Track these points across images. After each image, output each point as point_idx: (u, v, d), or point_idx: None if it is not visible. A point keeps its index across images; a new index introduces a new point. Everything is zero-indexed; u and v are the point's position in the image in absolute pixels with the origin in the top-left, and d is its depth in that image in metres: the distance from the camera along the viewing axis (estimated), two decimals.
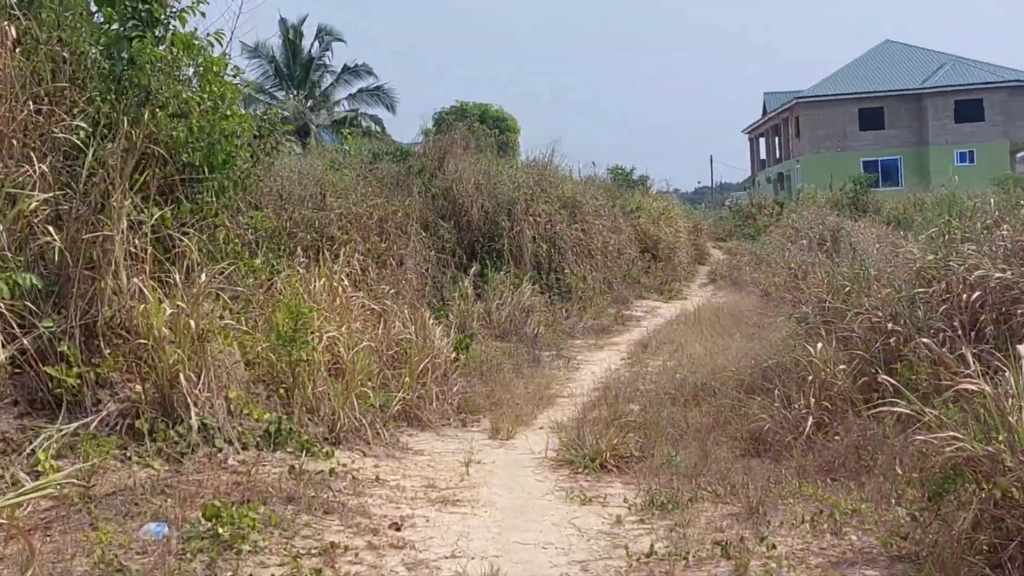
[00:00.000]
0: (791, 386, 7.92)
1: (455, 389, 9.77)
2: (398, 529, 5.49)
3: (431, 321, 10.32)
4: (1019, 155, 60.39)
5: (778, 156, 69.87)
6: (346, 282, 10.12)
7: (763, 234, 31.93)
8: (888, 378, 6.41)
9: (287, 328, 7.68)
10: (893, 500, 5.48)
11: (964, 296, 7.37)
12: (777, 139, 69.81)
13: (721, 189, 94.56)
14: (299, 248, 16.16)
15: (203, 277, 7.16)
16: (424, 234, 18.00)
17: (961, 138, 57.45)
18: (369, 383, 8.40)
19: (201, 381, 6.76)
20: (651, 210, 24.93)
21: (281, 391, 7.70)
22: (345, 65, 45.20)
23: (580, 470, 7.06)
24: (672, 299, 20.44)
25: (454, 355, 10.27)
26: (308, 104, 45.11)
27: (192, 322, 6.68)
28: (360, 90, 44.99)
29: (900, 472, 5.77)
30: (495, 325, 14.35)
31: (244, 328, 7.75)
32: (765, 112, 70.30)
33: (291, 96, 44.68)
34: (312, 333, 8.01)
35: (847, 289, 9.58)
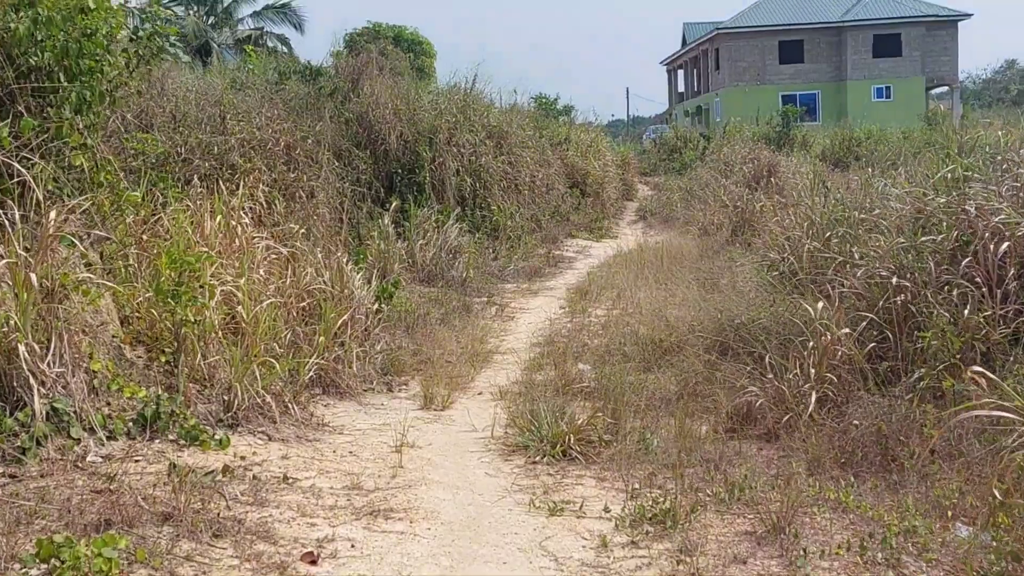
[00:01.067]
0: (775, 351, 6.72)
1: (378, 347, 8.33)
2: (313, 563, 4.10)
3: (349, 266, 8.81)
4: (934, 92, 60.70)
5: (697, 89, 69.00)
6: (247, 220, 8.49)
7: (689, 169, 30.94)
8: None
9: (169, 280, 6.11)
10: (949, 512, 4.31)
11: (991, 247, 6.21)
12: (696, 71, 68.85)
13: (634, 123, 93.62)
14: (195, 177, 14.46)
15: (52, 215, 5.50)
16: (337, 164, 16.33)
17: (879, 73, 57.34)
18: (275, 346, 6.91)
19: (51, 352, 5.19)
20: (579, 142, 23.55)
21: (163, 359, 6.15)
22: None
23: (538, 458, 5.74)
24: (603, 238, 19.23)
25: (376, 306, 8.82)
26: (209, 21, 42.17)
27: (34, 276, 5.08)
28: (266, 7, 42.19)
29: (945, 467, 4.61)
30: (419, 268, 12.90)
31: (110, 284, 6.11)
32: (685, 43, 69.23)
33: (191, 12, 41.64)
34: (202, 285, 6.46)
35: (828, 235, 8.39)
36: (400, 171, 17.11)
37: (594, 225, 19.79)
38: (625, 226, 21.71)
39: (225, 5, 42.91)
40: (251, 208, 14.41)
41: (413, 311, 10.11)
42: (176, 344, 6.08)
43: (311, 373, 7.01)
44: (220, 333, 6.40)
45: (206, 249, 6.98)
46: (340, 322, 7.87)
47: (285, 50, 39.91)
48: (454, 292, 12.20)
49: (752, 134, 33.18)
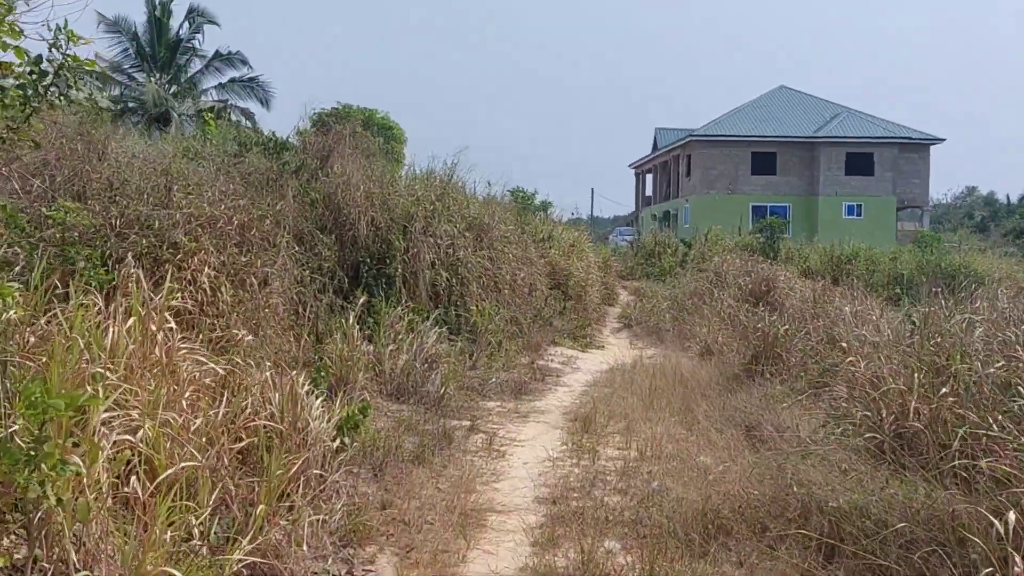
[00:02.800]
0: (910, 564, 4.72)
1: (338, 505, 6.18)
2: None
3: (305, 389, 6.72)
4: (902, 212, 60.55)
5: (666, 194, 68.44)
6: (172, 323, 6.39)
7: (668, 275, 29.37)
8: None
9: (25, 434, 3.98)
10: None
11: None
12: (666, 176, 68.36)
13: (594, 223, 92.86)
14: (129, 255, 12.35)
15: None
16: (298, 249, 14.28)
17: (851, 190, 57.06)
18: (193, 515, 4.77)
19: None
20: (562, 241, 21.82)
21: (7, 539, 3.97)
22: (217, 51, 40.74)
23: None
24: (588, 347, 17.28)
25: (337, 442, 6.71)
26: (171, 90, 40.39)
27: None
28: (232, 80, 40.63)
29: None
30: (388, 379, 10.81)
31: None
32: (656, 148, 68.90)
33: (152, 79, 39.87)
34: (77, 444, 4.32)
35: (943, 392, 6.44)
36: (369, 261, 15.13)
37: (578, 332, 17.88)
38: (609, 335, 19.81)
39: (190, 75, 41.27)
40: (191, 294, 12.43)
41: (383, 444, 7.98)
42: (29, 526, 3.92)
43: (241, 566, 4.84)
44: (107, 508, 4.25)
45: (104, 371, 4.87)
46: (293, 470, 5.75)
47: (249, 124, 38.18)
48: (430, 412, 10.11)
49: (735, 244, 31.89)
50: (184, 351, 6.17)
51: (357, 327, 11.68)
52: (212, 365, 6.16)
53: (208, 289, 12.51)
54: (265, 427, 5.96)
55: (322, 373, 7.54)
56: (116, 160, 14.49)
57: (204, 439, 5.31)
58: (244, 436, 5.83)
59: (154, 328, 6.00)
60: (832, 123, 58.42)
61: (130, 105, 39.90)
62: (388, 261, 15.10)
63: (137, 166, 14.33)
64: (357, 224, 15.30)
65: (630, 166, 77.61)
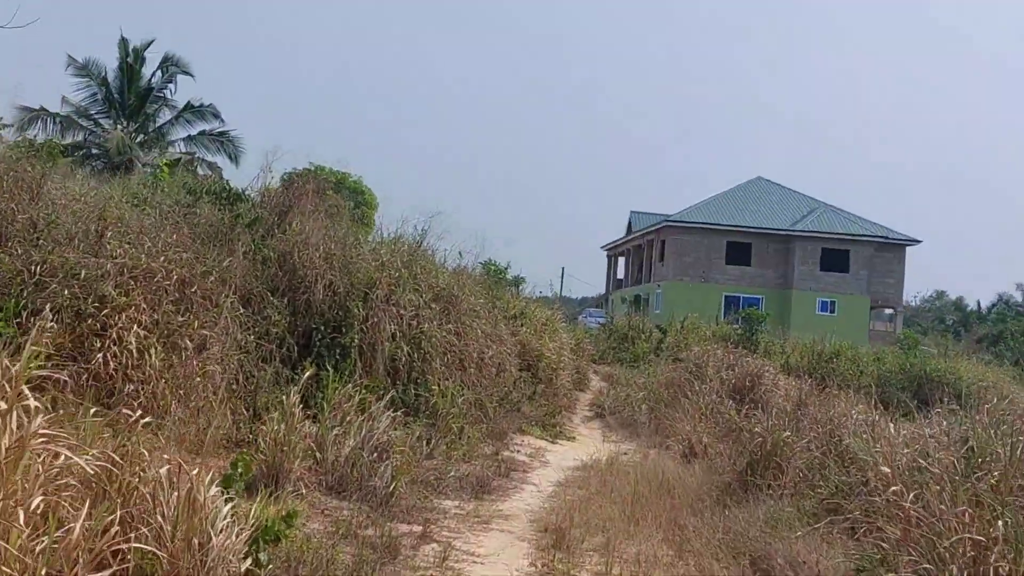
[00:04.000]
0: None
1: None
2: None
3: (213, 492, 5.22)
4: (884, 311, 60.06)
5: (638, 278, 67.63)
6: (32, 400, 4.89)
7: (642, 362, 28.07)
8: None
9: None
10: None
11: None
12: (639, 260, 67.64)
13: (563, 303, 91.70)
14: (47, 308, 10.86)
15: None
16: (244, 311, 12.85)
17: (825, 286, 56.49)
18: None
19: None
20: (534, 318, 20.47)
21: None
22: (189, 103, 39.52)
23: None
24: (558, 438, 15.81)
25: (247, 563, 5.20)
26: (138, 139, 39.04)
27: None
28: (201, 132, 39.34)
29: None
30: (329, 468, 9.29)
31: None
32: (630, 231, 68.30)
33: (119, 127, 38.52)
34: None
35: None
36: (323, 328, 13.67)
37: (548, 420, 16.41)
38: (580, 424, 18.36)
39: (159, 125, 39.98)
40: (115, 356, 10.91)
41: (310, 557, 6.45)
42: None
43: None
44: None
45: None
46: None
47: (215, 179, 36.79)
48: (375, 512, 8.60)
49: (712, 333, 30.74)
50: (44, 439, 4.66)
51: (301, 405, 10.17)
52: (80, 457, 4.64)
53: (134, 351, 11.04)
54: (144, 550, 4.47)
55: (239, 467, 5.99)
56: (51, 202, 13.12)
57: (44, 571, 3.81)
58: (112, 561, 4.33)
59: (4, 406, 4.50)
60: (809, 217, 58.10)
61: (93, 151, 38.49)
62: (344, 330, 13.66)
63: (72, 209, 12.94)
64: (313, 287, 13.89)
65: (603, 248, 76.95)
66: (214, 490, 5.21)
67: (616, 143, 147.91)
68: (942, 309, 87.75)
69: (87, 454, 4.99)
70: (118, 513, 4.49)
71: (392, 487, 9.06)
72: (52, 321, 10.93)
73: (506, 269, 27.59)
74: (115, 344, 11.00)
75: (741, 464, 10.54)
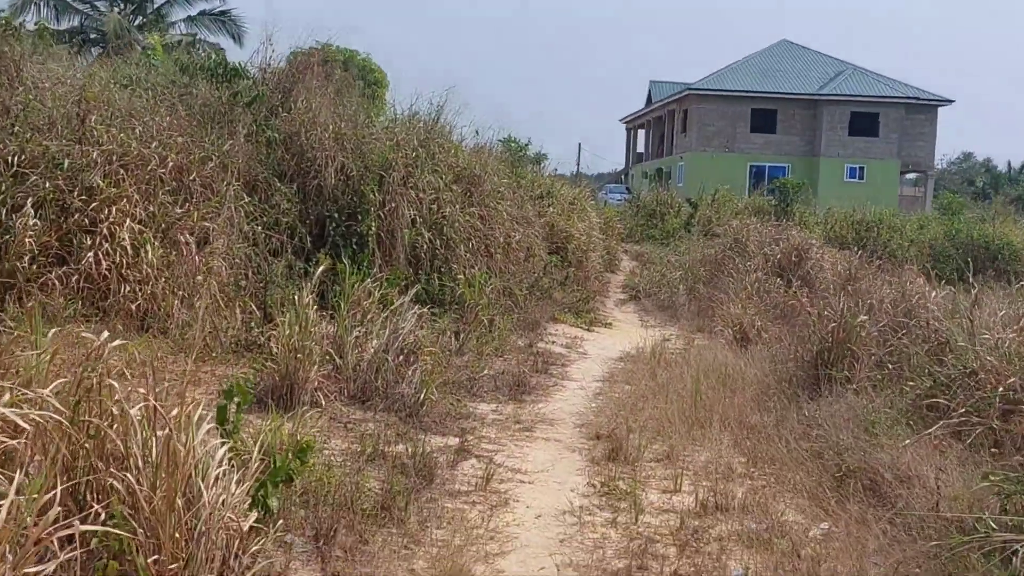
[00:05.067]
0: None
1: None
2: None
3: (208, 426, 4.16)
4: (906, 176, 58.19)
5: (659, 151, 65.72)
6: None
7: (672, 239, 26.87)
8: None
9: None
10: None
11: None
12: (660, 132, 65.59)
13: (578, 180, 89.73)
14: (28, 202, 9.82)
15: None
16: (248, 199, 11.69)
17: (853, 152, 54.50)
18: None
19: None
20: (561, 198, 19.21)
21: None
22: None
23: None
24: (593, 325, 14.78)
25: (251, 518, 4.17)
26: (136, 21, 37.18)
27: None
28: (202, 12, 37.45)
29: None
30: (350, 375, 8.27)
31: None
32: (650, 102, 66.00)
33: (115, 9, 36.64)
34: None
35: None
36: (337, 216, 12.54)
37: (581, 306, 15.35)
38: (614, 308, 17.32)
39: (157, 6, 38.03)
40: (107, 254, 9.82)
41: (331, 488, 5.47)
42: None
43: None
44: None
45: None
46: None
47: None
48: (403, 424, 7.62)
49: (745, 206, 29.41)
50: None
51: (315, 302, 9.11)
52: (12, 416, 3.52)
53: (129, 247, 9.94)
54: (109, 515, 3.42)
55: (235, 395, 4.89)
56: (34, 86, 11.82)
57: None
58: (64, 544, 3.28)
59: None
60: (836, 80, 55.59)
61: (91, 36, 36.74)
62: (360, 217, 12.50)
63: (54, 92, 11.64)
64: (324, 171, 12.67)
65: (621, 120, 74.66)
66: (204, 430, 4.13)
67: (634, 9, 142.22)
68: (970, 171, 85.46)
69: (47, 387, 3.92)
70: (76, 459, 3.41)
71: (423, 394, 8.04)
72: (35, 218, 9.92)
73: (526, 146, 26.14)
74: (107, 241, 9.89)
75: (809, 353, 9.43)
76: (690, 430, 7.86)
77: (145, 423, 3.98)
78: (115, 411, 4.05)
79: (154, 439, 3.91)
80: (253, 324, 10.22)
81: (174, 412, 3.87)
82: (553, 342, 12.80)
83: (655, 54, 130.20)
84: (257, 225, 11.65)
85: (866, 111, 54.58)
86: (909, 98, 54.65)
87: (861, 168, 54.42)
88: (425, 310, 10.17)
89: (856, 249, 17.50)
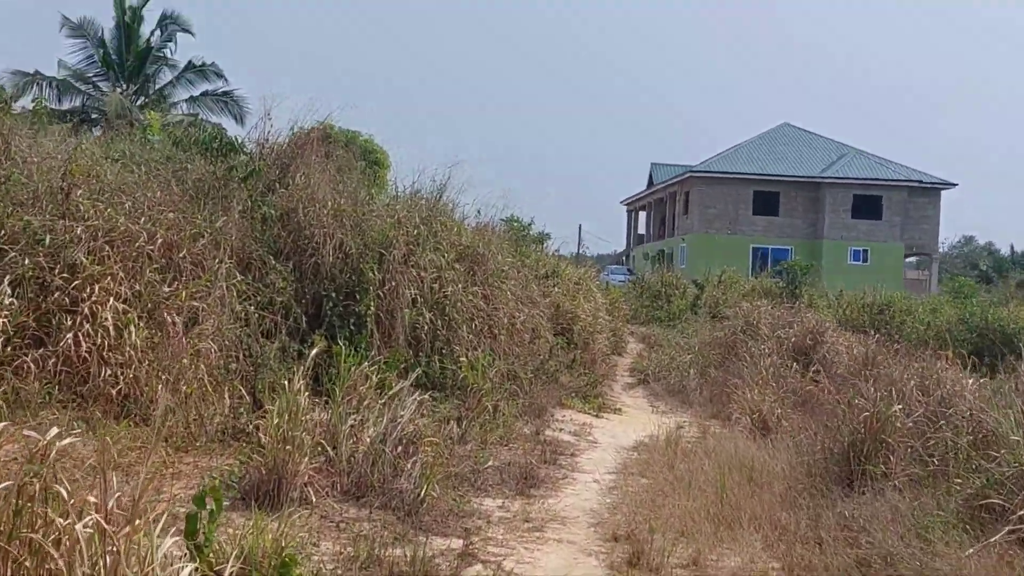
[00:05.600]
0: None
1: None
2: None
3: (168, 545, 3.49)
4: (908, 259, 57.90)
5: (661, 232, 65.62)
6: None
7: (679, 320, 26.28)
8: None
9: None
10: None
11: None
12: (661, 214, 65.58)
13: (577, 261, 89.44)
14: (7, 280, 9.26)
15: None
16: (242, 278, 11.13)
17: (857, 235, 54.32)
18: None
19: None
20: (567, 278, 18.69)
21: None
22: (190, 62, 37.60)
23: None
24: (602, 411, 14.07)
25: None
26: (139, 101, 37.20)
27: None
28: (204, 93, 37.46)
29: None
30: (344, 468, 7.58)
31: None
32: (651, 184, 66.14)
33: (118, 88, 36.69)
34: None
35: None
36: (334, 295, 11.97)
37: (589, 391, 14.68)
38: (622, 392, 16.63)
39: (159, 86, 38.11)
40: (88, 335, 9.22)
41: None
42: None
43: None
44: None
45: None
46: None
47: None
48: (401, 523, 6.91)
49: (752, 288, 28.94)
50: None
51: (310, 386, 8.48)
52: None
53: (111, 328, 9.32)
54: None
55: (207, 500, 4.20)
56: (21, 160, 11.37)
57: None
58: None
59: None
60: (839, 163, 55.72)
61: (92, 116, 36.71)
62: (359, 296, 11.93)
63: (41, 167, 11.17)
64: (322, 249, 12.14)
65: (622, 202, 74.81)
66: (168, 545, 3.47)
67: (633, 95, 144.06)
68: (972, 255, 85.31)
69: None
70: None
71: (423, 490, 7.34)
72: (11, 296, 9.34)
73: (529, 225, 25.76)
74: (88, 321, 9.27)
75: (840, 445, 8.75)
76: (716, 530, 7.14)
77: (96, 540, 3.32)
78: (61, 523, 3.41)
79: (104, 561, 3.25)
80: (242, 410, 9.60)
81: (126, 530, 3.21)
82: (561, 429, 12.09)
83: (656, 136, 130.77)
84: (250, 305, 11.08)
85: (869, 194, 54.58)
86: (912, 181, 54.70)
87: (865, 251, 54.18)
88: (427, 396, 9.51)
89: (873, 332, 16.82)
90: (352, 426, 7.96)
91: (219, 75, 38.60)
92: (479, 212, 16.38)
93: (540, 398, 13.00)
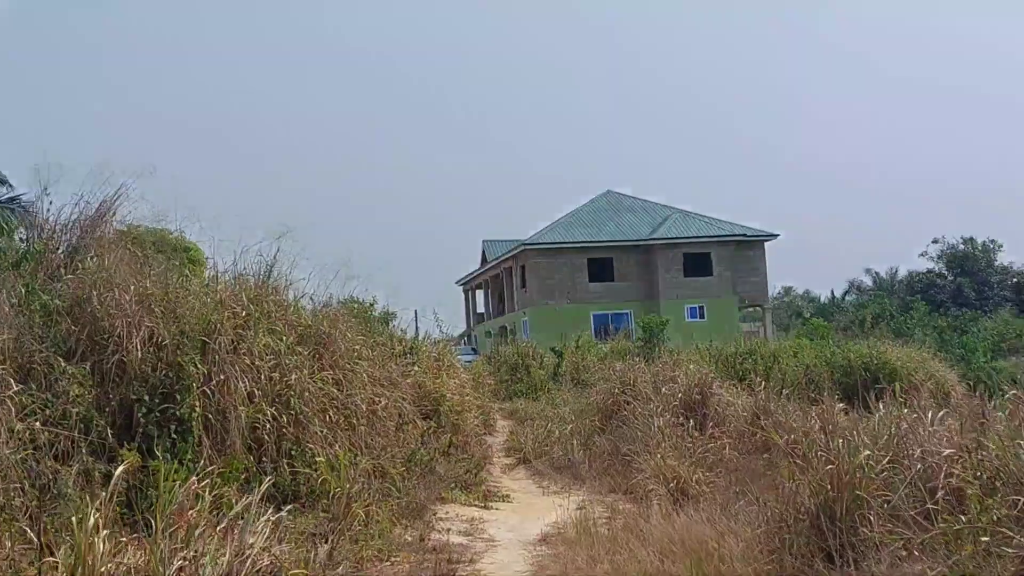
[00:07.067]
0: None
1: None
2: None
3: None
4: (745, 311, 58.87)
5: (500, 308, 64.47)
6: None
7: (541, 390, 24.62)
8: None
9: None
10: None
11: None
12: (499, 290, 64.54)
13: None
14: None
15: None
16: (20, 388, 8.57)
17: (692, 292, 54.82)
18: None
19: None
20: (426, 355, 16.66)
21: None
22: None
23: None
24: (491, 501, 12.01)
25: None
26: None
27: None
28: None
29: None
30: None
31: None
32: (484, 261, 65.14)
33: None
34: None
35: None
36: (147, 398, 9.50)
37: (471, 479, 12.61)
38: (503, 475, 14.61)
39: None
40: None
41: None
42: None
43: None
44: None
45: None
46: None
47: None
48: None
49: (610, 349, 27.74)
50: None
51: (117, 520, 6.12)
52: None
53: None
54: None
55: None
56: None
57: None
58: None
59: None
60: (665, 224, 56.47)
61: None
62: (179, 397, 9.51)
63: None
64: (126, 343, 9.68)
65: (458, 283, 73.39)
66: None
67: (457, 173, 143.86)
68: (794, 304, 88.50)
69: None
70: None
71: None
72: None
73: (372, 305, 23.61)
74: None
75: (805, 509, 7.06)
76: None
77: None
78: None
79: None
80: (30, 556, 7.08)
81: None
82: (448, 529, 9.96)
83: (485, 214, 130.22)
84: (36, 421, 8.53)
85: (698, 251, 55.41)
86: (736, 235, 55.94)
87: (701, 307, 54.67)
88: (282, 512, 7.27)
89: (759, 381, 15.57)
90: (181, 567, 5.66)
91: (2, 182, 34.92)
92: (311, 299, 14.09)
93: (417, 494, 10.84)
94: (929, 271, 77.46)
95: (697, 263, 55.37)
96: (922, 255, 78.59)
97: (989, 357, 31.67)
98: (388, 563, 8.24)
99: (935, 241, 78.03)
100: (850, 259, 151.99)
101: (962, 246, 77.05)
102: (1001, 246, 76.38)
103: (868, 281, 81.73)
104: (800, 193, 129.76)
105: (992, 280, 74.63)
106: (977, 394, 9.12)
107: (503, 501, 12.11)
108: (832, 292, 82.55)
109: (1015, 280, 75.39)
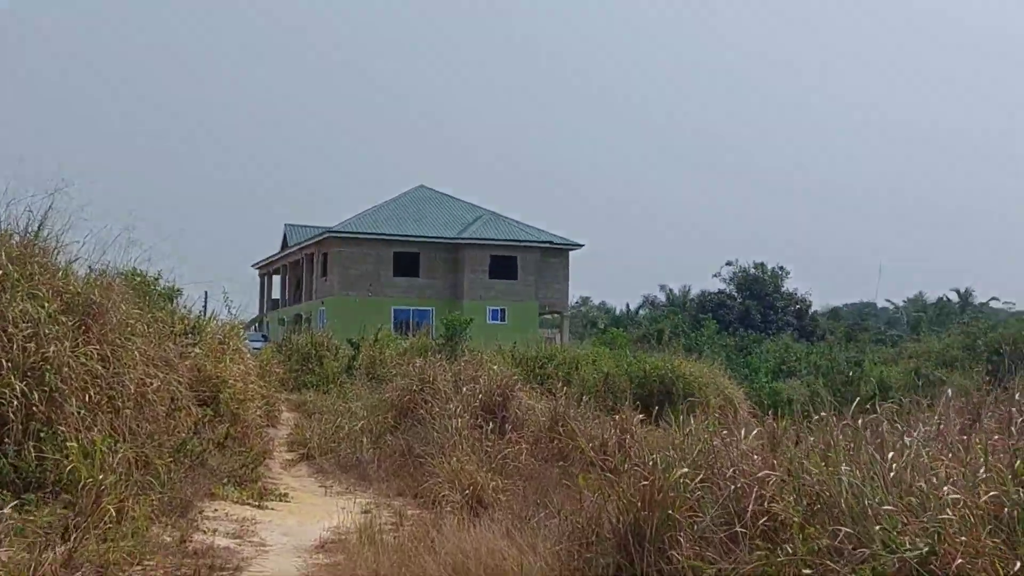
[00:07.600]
0: None
1: None
2: None
3: None
4: (544, 317, 59.61)
5: (297, 296, 62.43)
6: None
7: (334, 384, 23.58)
8: None
9: None
10: None
11: None
12: (298, 277, 62.49)
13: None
14: None
15: None
16: None
17: (495, 294, 54.99)
18: None
19: None
20: (210, 336, 15.37)
21: None
22: None
23: None
24: (266, 500, 11.03)
25: None
26: None
27: None
28: None
29: None
30: None
31: None
32: (285, 246, 62.94)
33: None
34: None
35: None
36: None
37: (246, 474, 11.58)
38: (283, 472, 13.61)
39: None
40: None
41: None
42: None
43: None
44: None
45: None
46: None
47: None
48: None
49: (411, 345, 27.06)
50: None
51: None
52: None
53: None
54: None
55: None
56: None
57: None
58: None
59: None
60: (475, 225, 56.40)
61: None
62: None
63: None
64: None
65: (254, 266, 70.55)
66: None
67: (264, 153, 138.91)
68: (589, 314, 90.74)
69: None
70: None
71: None
72: None
73: (156, 279, 21.81)
74: None
75: (612, 526, 6.63)
76: None
77: None
78: None
79: None
80: None
81: None
82: (215, 531, 8.98)
83: (290, 197, 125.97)
84: None
85: (505, 255, 55.64)
86: (543, 242, 56.63)
87: (503, 310, 54.90)
88: (11, 504, 6.14)
89: (561, 386, 15.35)
90: None
91: None
92: (91, 269, 12.60)
93: (183, 490, 9.76)
94: (720, 291, 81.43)
95: (503, 266, 55.59)
96: (715, 276, 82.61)
97: (770, 378, 33.35)
98: (139, 567, 7.23)
99: (728, 263, 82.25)
100: (645, 276, 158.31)
101: (753, 270, 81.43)
102: (788, 273, 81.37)
103: (662, 297, 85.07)
104: (599, 208, 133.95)
105: (778, 304, 79.19)
106: (769, 414, 9.06)
107: (280, 500, 11.19)
108: (628, 305, 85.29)
109: (798, 307, 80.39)
